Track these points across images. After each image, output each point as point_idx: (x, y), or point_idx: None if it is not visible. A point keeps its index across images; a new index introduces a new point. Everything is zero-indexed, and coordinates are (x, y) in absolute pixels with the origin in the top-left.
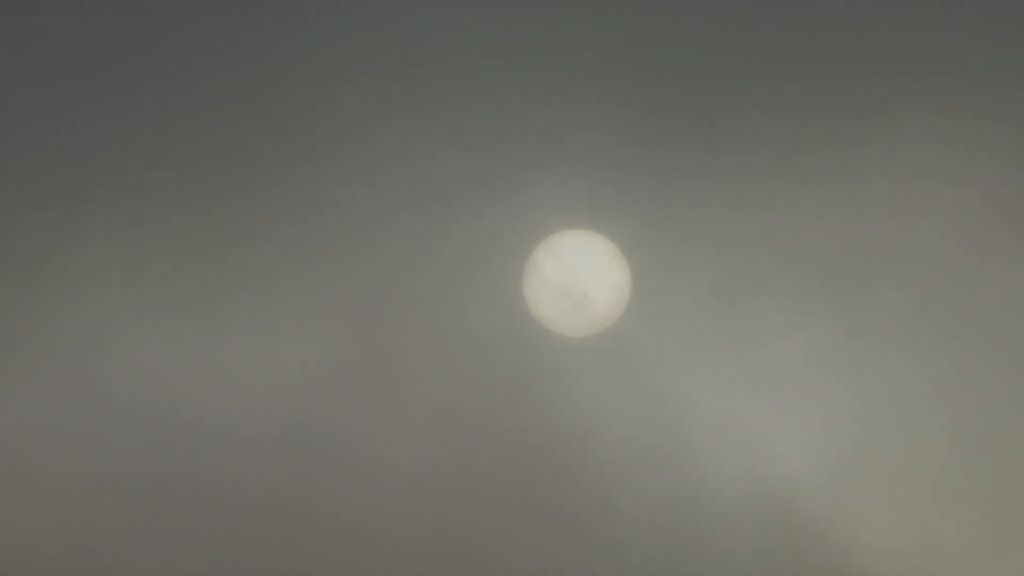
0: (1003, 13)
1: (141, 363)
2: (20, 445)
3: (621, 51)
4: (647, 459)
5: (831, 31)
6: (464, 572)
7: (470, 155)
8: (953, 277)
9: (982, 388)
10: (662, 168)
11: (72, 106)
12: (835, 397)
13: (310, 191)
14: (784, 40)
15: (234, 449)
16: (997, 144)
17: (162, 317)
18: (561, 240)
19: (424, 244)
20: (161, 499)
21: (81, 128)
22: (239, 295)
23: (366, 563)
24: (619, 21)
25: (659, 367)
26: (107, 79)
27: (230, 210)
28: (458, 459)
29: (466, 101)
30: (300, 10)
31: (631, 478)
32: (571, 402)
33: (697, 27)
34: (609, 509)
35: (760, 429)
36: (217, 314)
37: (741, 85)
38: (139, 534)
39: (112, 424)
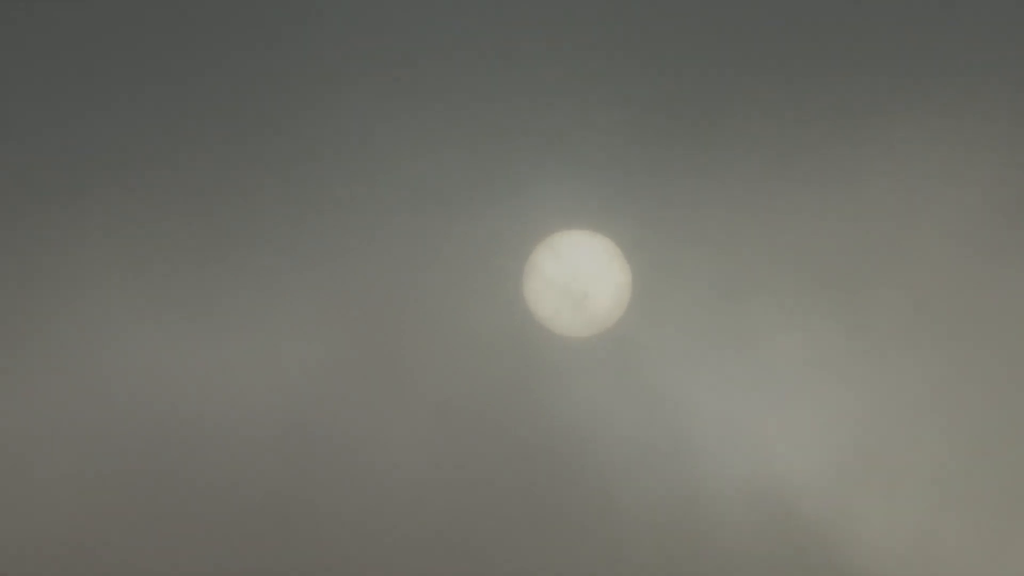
0: (1003, 13)
1: (141, 363)
2: (20, 445)
3: (621, 51)
4: (647, 459)
5: (831, 31)
6: (464, 572)
7: (470, 155)
8: (953, 277)
9: (982, 388)
10: (662, 168)
11: (72, 105)
12: (835, 397)
13: (310, 191)
14: (784, 40)
15: (234, 449)
16: (997, 144)
17: (162, 317)
18: (561, 240)
19: (424, 244)
20: (161, 499)
21: (81, 128)
22: (239, 295)
23: (366, 563)
24: (619, 21)
25: (659, 367)
26: (107, 78)
27: (230, 210)
28: (458, 459)
29: (466, 101)
30: (300, 10)
31: (631, 478)
32: (571, 402)
33: (697, 27)
34: (609, 509)
35: (760, 429)
36: (217, 314)
37: (741, 85)
38: (139, 534)
39: (112, 424)
